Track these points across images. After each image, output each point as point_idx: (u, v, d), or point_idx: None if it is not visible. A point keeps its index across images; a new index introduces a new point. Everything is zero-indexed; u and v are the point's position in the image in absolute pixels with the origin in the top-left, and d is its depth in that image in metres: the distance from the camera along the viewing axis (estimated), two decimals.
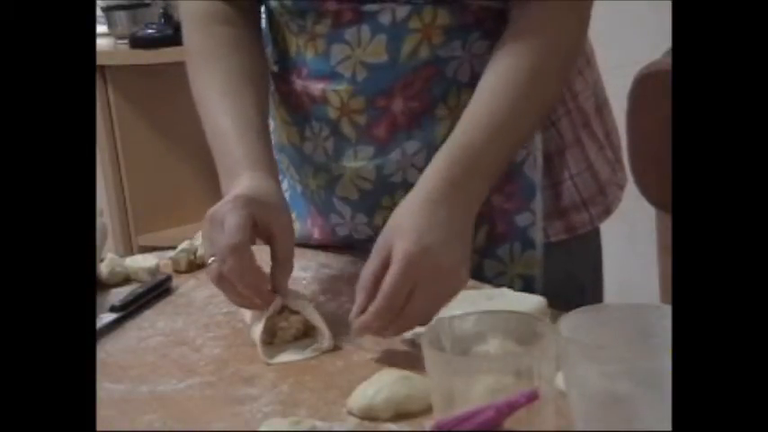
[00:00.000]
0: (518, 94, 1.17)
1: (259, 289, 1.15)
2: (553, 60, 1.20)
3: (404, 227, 1.10)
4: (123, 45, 3.12)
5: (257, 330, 1.13)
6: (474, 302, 1.14)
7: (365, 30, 1.24)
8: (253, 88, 1.29)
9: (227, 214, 1.14)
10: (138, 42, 3.05)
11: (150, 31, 3.05)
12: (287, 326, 1.15)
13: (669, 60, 1.66)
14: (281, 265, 1.17)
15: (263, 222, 1.16)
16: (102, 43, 3.15)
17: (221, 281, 1.14)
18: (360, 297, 1.09)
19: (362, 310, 1.08)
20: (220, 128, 1.26)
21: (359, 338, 1.11)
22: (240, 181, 1.19)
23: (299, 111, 1.33)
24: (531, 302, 1.16)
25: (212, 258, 1.14)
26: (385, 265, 1.08)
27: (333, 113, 1.28)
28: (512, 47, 1.19)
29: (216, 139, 1.26)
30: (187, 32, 1.37)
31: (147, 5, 3.17)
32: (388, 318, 1.07)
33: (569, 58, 1.25)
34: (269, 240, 1.18)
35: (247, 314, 1.19)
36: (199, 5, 1.35)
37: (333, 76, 1.27)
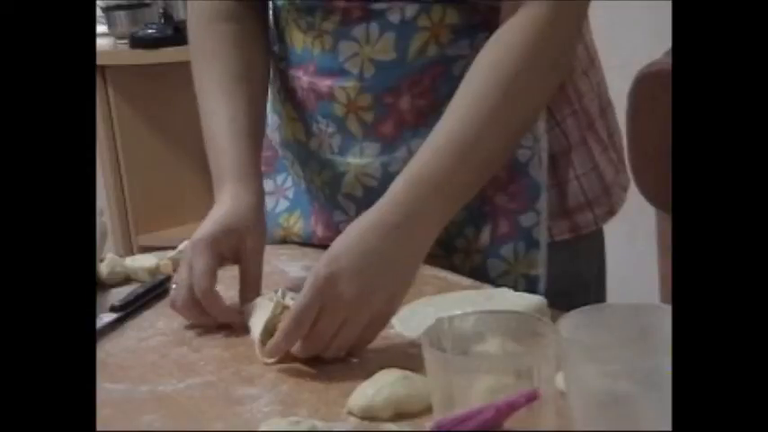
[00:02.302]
0: (488, 113, 1.15)
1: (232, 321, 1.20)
2: (534, 72, 1.16)
3: (330, 249, 1.11)
4: (123, 45, 3.12)
5: (256, 331, 1.13)
6: (474, 302, 1.14)
7: (374, 27, 1.24)
8: (248, 88, 1.32)
9: (194, 258, 1.19)
10: (138, 42, 3.04)
11: (150, 31, 3.05)
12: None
13: (669, 60, 1.66)
14: (249, 285, 1.21)
15: (232, 250, 1.21)
16: (102, 43, 3.15)
17: (175, 308, 1.20)
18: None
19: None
20: (212, 131, 1.30)
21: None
22: (221, 197, 1.25)
23: (305, 107, 1.33)
24: (531, 302, 1.16)
25: (174, 285, 1.20)
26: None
27: (339, 110, 1.29)
28: (491, 55, 1.17)
29: (207, 142, 1.31)
30: (191, 30, 1.38)
31: (147, 5, 3.17)
32: (295, 338, 1.08)
33: (552, 70, 1.20)
34: (238, 262, 1.22)
35: (247, 315, 1.19)
36: (206, 3, 1.36)
37: (340, 72, 1.27)
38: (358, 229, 1.11)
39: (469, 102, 1.16)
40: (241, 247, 1.21)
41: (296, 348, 1.09)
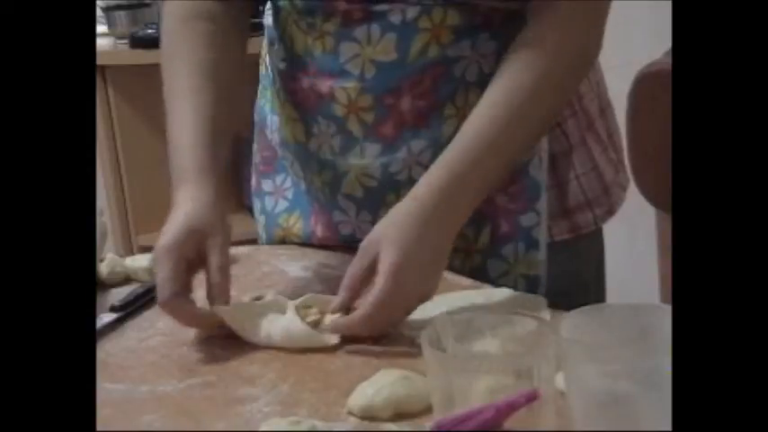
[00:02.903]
0: (518, 109, 1.18)
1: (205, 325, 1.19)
2: (560, 73, 1.20)
3: (392, 238, 1.14)
4: (123, 45, 3.11)
5: (297, 325, 1.14)
6: (474, 302, 1.14)
7: (375, 28, 1.24)
8: (215, 86, 1.28)
9: (158, 264, 1.16)
10: (138, 42, 3.04)
11: (150, 31, 3.04)
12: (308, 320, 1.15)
13: (669, 60, 1.66)
14: (216, 284, 1.17)
15: (195, 251, 1.18)
16: (102, 43, 3.14)
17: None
18: (343, 295, 1.16)
19: (342, 308, 1.15)
20: (174, 129, 1.27)
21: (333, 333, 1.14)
22: (179, 199, 1.21)
23: (305, 108, 1.33)
24: (531, 302, 1.16)
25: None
26: (369, 268, 1.14)
27: (340, 111, 1.29)
28: (519, 57, 1.20)
29: (170, 141, 1.27)
30: (164, 30, 1.35)
31: (147, 5, 3.17)
32: (375, 323, 1.12)
33: (579, 69, 1.25)
34: (204, 262, 1.19)
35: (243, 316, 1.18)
36: (184, 3, 1.34)
37: (341, 73, 1.27)
38: (404, 217, 1.15)
39: (499, 98, 1.19)
40: (204, 247, 1.18)
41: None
